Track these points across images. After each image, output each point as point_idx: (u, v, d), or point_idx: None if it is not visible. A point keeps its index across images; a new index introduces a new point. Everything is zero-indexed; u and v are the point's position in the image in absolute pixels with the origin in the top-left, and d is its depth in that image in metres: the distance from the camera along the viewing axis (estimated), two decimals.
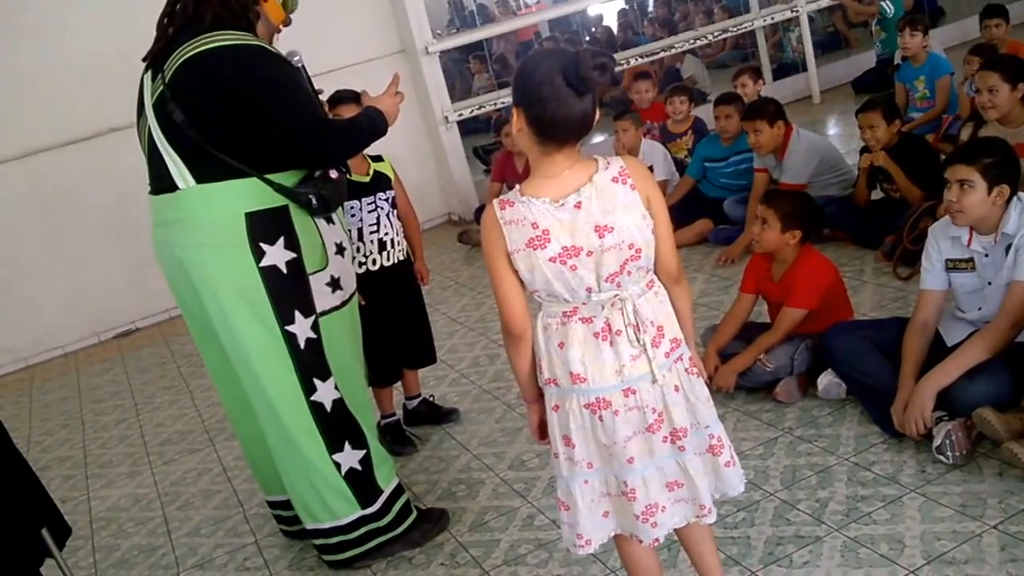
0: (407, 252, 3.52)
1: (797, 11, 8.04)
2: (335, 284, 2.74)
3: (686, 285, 2.03)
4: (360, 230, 3.35)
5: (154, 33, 2.63)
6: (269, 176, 2.56)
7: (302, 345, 2.65)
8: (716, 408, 2.05)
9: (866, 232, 4.46)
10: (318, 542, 2.87)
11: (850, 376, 3.09)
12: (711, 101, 6.14)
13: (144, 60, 2.64)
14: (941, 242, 2.92)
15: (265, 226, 2.56)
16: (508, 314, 1.92)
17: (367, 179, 3.38)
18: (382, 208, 3.39)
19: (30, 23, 5.91)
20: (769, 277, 3.44)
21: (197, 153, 2.51)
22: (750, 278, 3.50)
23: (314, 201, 2.61)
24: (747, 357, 3.31)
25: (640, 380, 1.91)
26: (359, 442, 2.78)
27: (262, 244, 2.56)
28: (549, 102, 1.77)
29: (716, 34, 8.31)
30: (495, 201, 1.90)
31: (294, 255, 2.60)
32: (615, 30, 10.73)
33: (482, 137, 8.33)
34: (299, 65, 2.69)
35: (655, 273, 1.97)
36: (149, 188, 2.68)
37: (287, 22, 2.74)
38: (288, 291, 2.61)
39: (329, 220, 2.74)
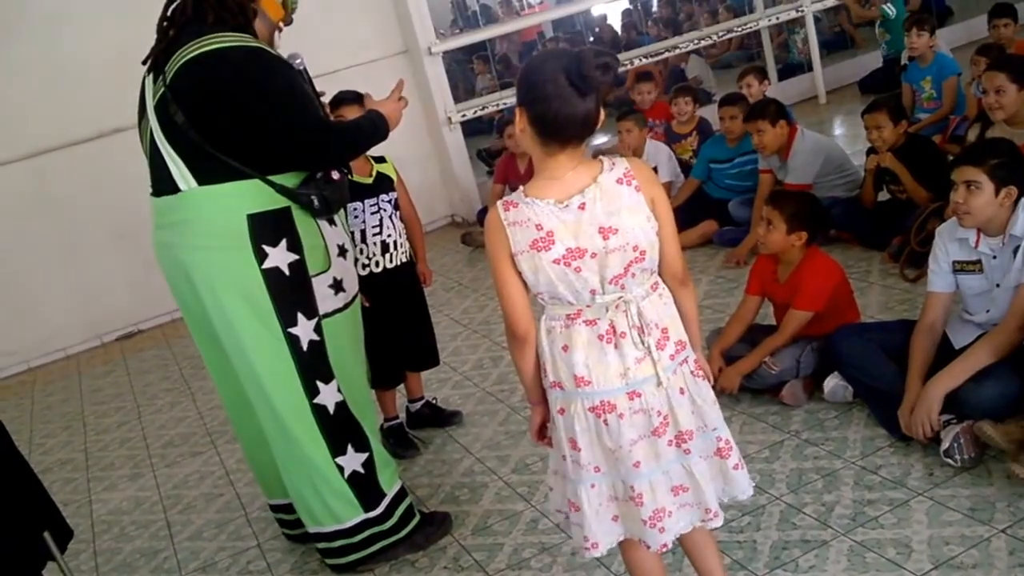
0: (410, 254, 3.50)
1: (802, 11, 8.00)
2: (337, 286, 2.73)
3: (692, 288, 2.02)
4: (363, 232, 3.33)
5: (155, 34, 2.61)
6: (271, 177, 2.54)
7: (305, 347, 2.63)
8: (721, 411, 2.02)
9: (873, 233, 4.44)
10: (321, 546, 2.86)
11: (857, 379, 3.07)
12: (716, 102, 6.11)
13: (144, 63, 2.62)
14: (948, 244, 2.89)
15: (267, 228, 2.55)
16: (512, 316, 1.92)
17: (370, 180, 3.36)
18: (385, 210, 3.37)
19: (31, 24, 5.90)
20: (775, 279, 3.42)
21: (198, 154, 2.50)
22: (755, 280, 3.49)
23: (316, 202, 2.60)
24: (753, 359, 3.29)
25: (645, 383, 1.89)
26: (362, 445, 2.76)
27: (264, 246, 2.54)
28: (551, 101, 1.76)
29: (721, 34, 8.27)
30: (499, 202, 1.89)
31: (296, 257, 2.59)
32: (619, 30, 10.72)
33: (485, 139, 8.31)
34: (300, 68, 2.68)
35: (660, 275, 1.95)
36: (151, 190, 2.66)
37: (288, 21, 2.73)
38: (290, 293, 2.60)
39: (331, 222, 2.73)
